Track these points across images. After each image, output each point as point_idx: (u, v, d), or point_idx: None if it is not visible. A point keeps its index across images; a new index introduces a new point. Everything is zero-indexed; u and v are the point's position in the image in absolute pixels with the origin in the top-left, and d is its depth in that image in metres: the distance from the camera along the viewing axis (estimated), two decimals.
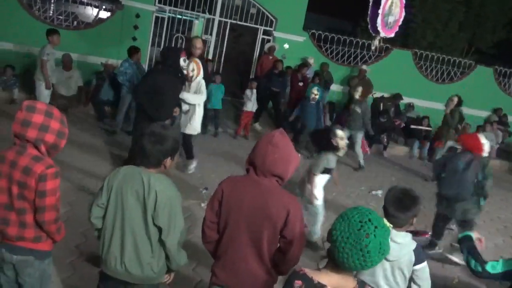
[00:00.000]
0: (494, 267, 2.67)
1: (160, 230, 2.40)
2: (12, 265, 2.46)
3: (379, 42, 9.87)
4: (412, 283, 2.58)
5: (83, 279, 3.59)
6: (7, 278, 2.53)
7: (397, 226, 2.49)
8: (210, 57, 10.52)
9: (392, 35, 9.20)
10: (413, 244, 2.53)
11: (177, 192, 2.46)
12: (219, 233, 2.46)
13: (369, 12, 8.99)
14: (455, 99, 8.47)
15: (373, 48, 10.28)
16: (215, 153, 7.78)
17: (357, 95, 8.38)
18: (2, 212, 2.38)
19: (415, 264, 2.52)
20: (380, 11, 8.66)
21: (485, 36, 15.65)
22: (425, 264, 2.56)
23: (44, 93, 7.18)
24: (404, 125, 10.87)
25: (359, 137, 8.38)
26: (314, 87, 8.62)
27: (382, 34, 9.28)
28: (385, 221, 1.78)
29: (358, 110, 8.22)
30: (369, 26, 9.23)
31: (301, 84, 10.02)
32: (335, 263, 1.77)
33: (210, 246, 2.52)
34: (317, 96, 8.42)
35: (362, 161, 8.46)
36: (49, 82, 7.20)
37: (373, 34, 9.35)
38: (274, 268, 2.42)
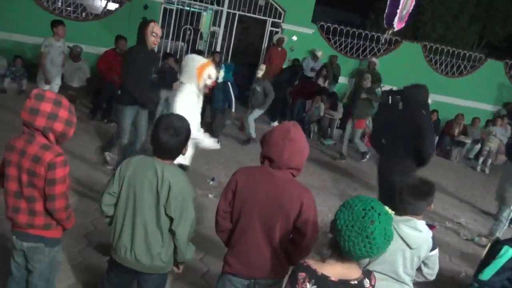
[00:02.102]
0: None
1: (171, 220, 2.43)
2: (22, 251, 2.50)
3: (392, 35, 9.77)
4: (423, 266, 2.63)
5: (92, 267, 3.62)
6: (17, 265, 2.57)
7: (414, 214, 2.54)
8: (218, 49, 10.50)
9: (403, 25, 9.14)
10: (430, 232, 2.57)
11: (189, 184, 2.49)
12: (232, 222, 2.46)
13: (387, 7, 8.88)
14: (369, 76, 8.32)
15: (382, 41, 10.18)
16: (222, 145, 7.77)
17: (259, 74, 8.05)
18: (12, 200, 2.40)
19: (430, 250, 2.57)
20: (400, 6, 8.56)
21: (496, 30, 15.47)
22: (437, 250, 2.62)
23: (44, 88, 6.83)
24: None
25: (258, 112, 8.26)
26: (219, 67, 8.18)
27: (396, 28, 9.18)
28: (387, 208, 1.79)
29: (259, 89, 8.03)
30: (384, 20, 9.10)
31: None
32: (340, 253, 1.77)
33: (223, 236, 2.53)
34: (218, 74, 8.05)
35: (253, 133, 8.27)
36: (48, 76, 6.90)
37: (386, 27, 9.25)
38: (286, 259, 2.43)
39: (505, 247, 2.40)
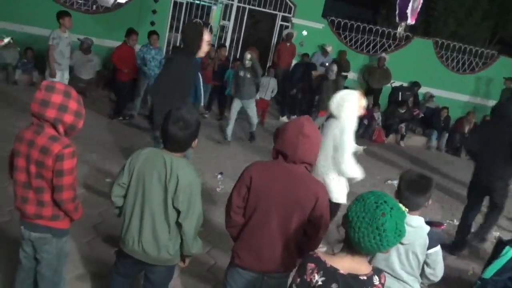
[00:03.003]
0: None
1: (178, 213, 2.44)
2: (30, 242, 2.52)
3: (405, 30, 9.59)
4: (425, 267, 2.57)
5: (100, 258, 3.65)
6: (25, 254, 2.60)
7: (411, 209, 2.48)
8: (227, 43, 10.49)
9: (414, 21, 8.98)
10: (427, 228, 2.51)
11: (198, 177, 2.50)
12: (244, 217, 2.46)
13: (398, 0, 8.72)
14: (335, 67, 7.97)
15: (398, 35, 9.98)
16: (229, 139, 7.79)
17: (248, 65, 7.12)
18: (21, 190, 2.42)
19: (428, 248, 2.50)
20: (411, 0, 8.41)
21: (509, 26, 15.25)
22: (438, 248, 2.54)
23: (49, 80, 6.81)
24: (423, 115, 10.72)
25: (252, 105, 7.49)
26: None
27: (409, 21, 9.01)
28: (401, 205, 1.77)
29: (248, 74, 7.19)
30: (396, 12, 8.92)
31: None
32: (350, 246, 1.76)
33: (234, 231, 2.52)
34: None
35: (254, 129, 7.78)
36: (54, 69, 6.81)
37: (398, 22, 9.10)
38: (298, 252, 2.45)
39: (507, 248, 2.35)
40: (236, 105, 7.40)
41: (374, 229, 1.66)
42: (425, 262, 2.55)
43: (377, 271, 1.82)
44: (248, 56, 7.10)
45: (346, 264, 1.77)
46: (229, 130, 7.51)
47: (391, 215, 1.67)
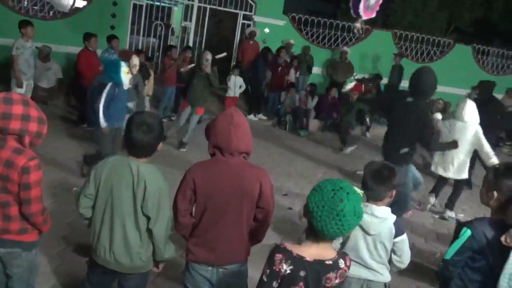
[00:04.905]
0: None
1: (148, 219, 2.44)
2: None
3: (361, 24, 9.83)
4: (393, 254, 2.65)
5: (71, 269, 3.61)
6: None
7: (377, 199, 2.55)
8: (190, 43, 10.44)
9: (373, 15, 9.21)
10: (393, 217, 2.59)
11: (165, 182, 2.50)
12: (194, 216, 2.50)
13: None
14: (209, 55, 7.21)
15: (355, 31, 10.25)
16: (202, 139, 7.75)
17: (134, 69, 5.87)
18: None
19: (395, 237, 2.58)
20: None
21: (464, 15, 15.80)
22: (404, 236, 2.63)
23: (16, 91, 6.49)
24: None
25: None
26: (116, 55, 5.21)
27: (364, 17, 9.24)
28: (356, 188, 1.86)
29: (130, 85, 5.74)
30: (351, 10, 9.16)
31: (280, 68, 9.99)
32: (314, 234, 1.84)
33: (185, 232, 2.55)
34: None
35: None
36: (20, 80, 6.67)
37: (354, 16, 9.33)
38: (252, 239, 2.55)
39: (464, 228, 2.47)
40: None
41: (334, 216, 1.75)
42: (392, 250, 2.63)
43: (342, 255, 1.91)
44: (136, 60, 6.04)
45: (312, 251, 1.85)
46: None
47: (348, 200, 1.76)
